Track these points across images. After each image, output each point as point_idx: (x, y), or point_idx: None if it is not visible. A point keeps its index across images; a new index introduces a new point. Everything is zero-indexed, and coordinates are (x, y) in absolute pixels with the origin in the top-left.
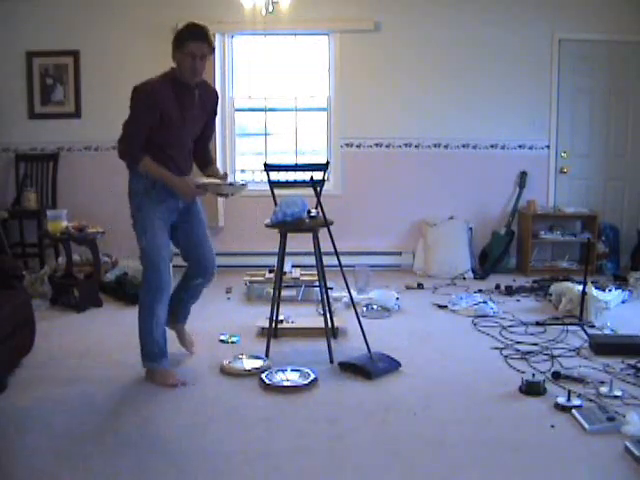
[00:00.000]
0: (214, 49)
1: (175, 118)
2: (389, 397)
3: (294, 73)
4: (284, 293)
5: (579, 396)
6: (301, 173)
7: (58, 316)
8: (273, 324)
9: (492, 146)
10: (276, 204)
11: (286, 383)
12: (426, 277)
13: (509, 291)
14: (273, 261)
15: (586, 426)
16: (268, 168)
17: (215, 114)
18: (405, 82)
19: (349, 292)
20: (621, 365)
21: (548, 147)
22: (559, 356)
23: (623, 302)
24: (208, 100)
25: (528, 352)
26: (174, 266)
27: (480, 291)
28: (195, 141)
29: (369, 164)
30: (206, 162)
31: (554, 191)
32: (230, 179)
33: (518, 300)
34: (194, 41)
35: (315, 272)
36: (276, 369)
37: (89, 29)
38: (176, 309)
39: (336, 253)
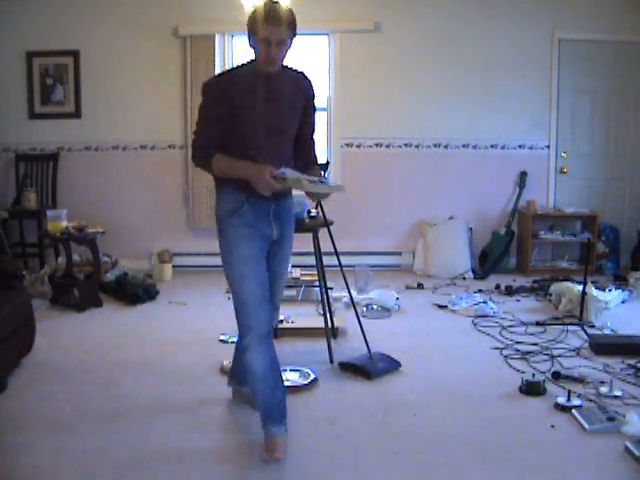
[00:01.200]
0: (295, 33)
1: (248, 109)
2: (389, 397)
3: None
4: (284, 293)
5: (579, 396)
6: None
7: (58, 316)
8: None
9: (492, 146)
10: None
11: (286, 383)
12: (426, 277)
13: (509, 291)
14: None
15: (586, 426)
16: None
17: (312, 108)
18: (405, 82)
19: (349, 292)
20: (621, 365)
21: (548, 147)
22: (559, 356)
23: (623, 302)
24: (297, 91)
25: (528, 352)
26: None
27: (480, 291)
28: (295, 143)
29: (369, 164)
30: (306, 165)
31: (554, 191)
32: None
33: (518, 300)
34: (268, 24)
35: (315, 272)
36: None
37: (89, 29)
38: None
39: (336, 253)
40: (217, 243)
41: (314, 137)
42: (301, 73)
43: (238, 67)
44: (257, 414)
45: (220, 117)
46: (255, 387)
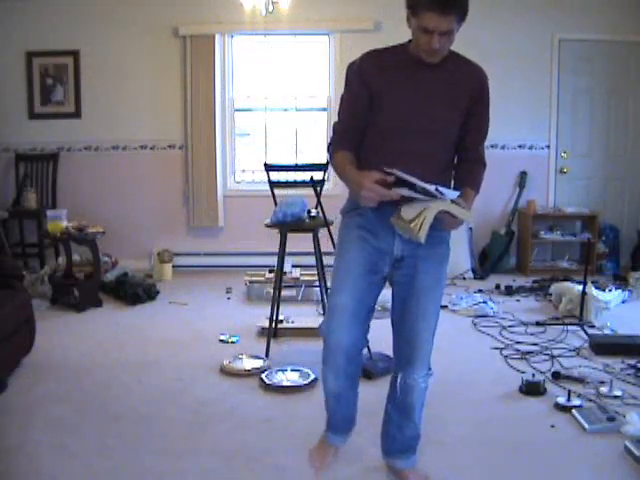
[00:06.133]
0: (463, 19)
1: (389, 101)
2: None
3: (294, 73)
4: (284, 293)
5: (579, 396)
6: (301, 173)
7: (58, 316)
8: (273, 324)
9: (492, 146)
10: (276, 204)
11: (286, 383)
12: None
13: (509, 291)
14: (273, 261)
15: (586, 426)
16: (268, 168)
17: (481, 105)
18: None
19: None
20: (621, 365)
21: (548, 147)
22: (559, 356)
23: (623, 302)
24: (462, 86)
25: (528, 352)
26: None
27: (480, 291)
28: (457, 149)
29: None
30: (460, 184)
31: (554, 191)
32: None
33: (518, 300)
34: (430, 10)
35: (315, 272)
36: (276, 369)
37: (89, 29)
38: (383, 429)
39: None
40: (217, 243)
41: (481, 149)
42: (473, 65)
43: (393, 47)
44: (258, 413)
45: (359, 103)
46: (325, 399)
